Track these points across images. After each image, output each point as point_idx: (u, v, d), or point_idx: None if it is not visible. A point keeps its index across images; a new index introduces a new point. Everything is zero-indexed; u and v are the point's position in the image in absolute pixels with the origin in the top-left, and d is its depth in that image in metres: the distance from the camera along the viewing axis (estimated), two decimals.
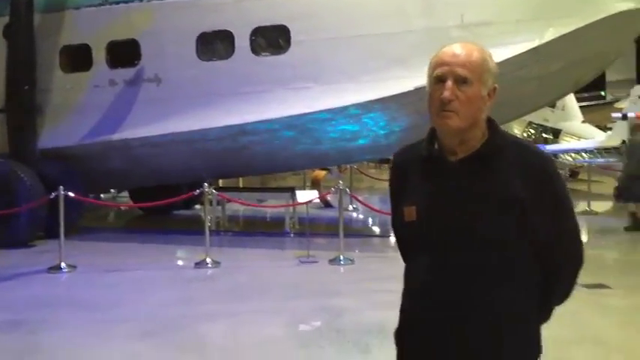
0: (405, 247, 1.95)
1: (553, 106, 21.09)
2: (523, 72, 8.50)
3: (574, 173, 19.56)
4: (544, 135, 22.60)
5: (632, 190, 11.10)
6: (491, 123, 1.80)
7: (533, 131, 22.97)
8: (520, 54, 8.34)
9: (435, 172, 1.79)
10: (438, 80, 1.74)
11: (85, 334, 5.27)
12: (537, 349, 1.81)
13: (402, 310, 1.87)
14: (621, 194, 11.36)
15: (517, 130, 22.04)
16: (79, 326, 5.50)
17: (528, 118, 20.96)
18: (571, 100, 22.00)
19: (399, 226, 1.91)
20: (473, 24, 8.39)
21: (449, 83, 1.71)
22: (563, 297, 1.89)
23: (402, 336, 1.87)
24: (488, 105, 1.77)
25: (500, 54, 8.14)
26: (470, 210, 1.73)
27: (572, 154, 20.79)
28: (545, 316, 1.87)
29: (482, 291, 1.70)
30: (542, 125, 22.52)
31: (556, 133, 22.25)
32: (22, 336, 5.22)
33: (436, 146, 1.80)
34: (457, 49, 1.75)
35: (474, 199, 1.73)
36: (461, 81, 1.71)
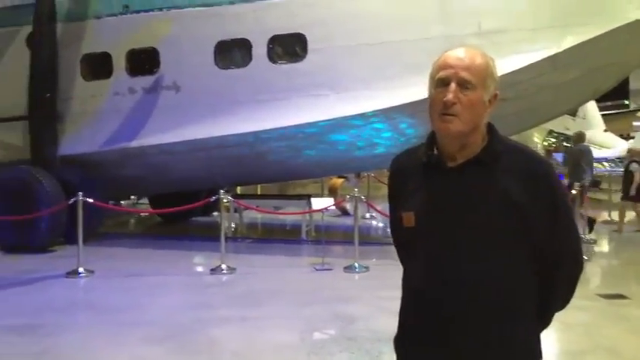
0: (403, 253, 1.95)
1: (574, 114, 20.94)
2: (541, 80, 8.44)
3: (596, 183, 19.29)
4: (565, 143, 22.40)
5: None
6: (491, 128, 1.79)
7: (554, 139, 22.80)
8: (538, 61, 8.27)
9: (434, 178, 1.78)
10: (441, 83, 1.73)
11: (101, 337, 5.34)
12: (537, 355, 1.79)
13: (400, 317, 1.86)
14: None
15: (537, 138, 21.88)
16: (96, 330, 5.57)
17: (549, 126, 20.82)
18: (593, 108, 21.83)
19: (398, 231, 1.91)
20: (490, 31, 8.33)
21: (452, 86, 1.70)
22: (563, 302, 1.87)
23: (399, 344, 1.86)
24: (489, 111, 1.76)
25: (518, 61, 8.13)
26: (468, 217, 1.71)
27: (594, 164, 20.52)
28: (546, 321, 1.86)
29: (480, 298, 1.69)
30: (563, 134, 22.35)
31: None
32: (39, 339, 5.29)
33: (435, 151, 1.79)
34: (461, 53, 1.75)
35: (472, 205, 1.72)
36: (464, 85, 1.70)
